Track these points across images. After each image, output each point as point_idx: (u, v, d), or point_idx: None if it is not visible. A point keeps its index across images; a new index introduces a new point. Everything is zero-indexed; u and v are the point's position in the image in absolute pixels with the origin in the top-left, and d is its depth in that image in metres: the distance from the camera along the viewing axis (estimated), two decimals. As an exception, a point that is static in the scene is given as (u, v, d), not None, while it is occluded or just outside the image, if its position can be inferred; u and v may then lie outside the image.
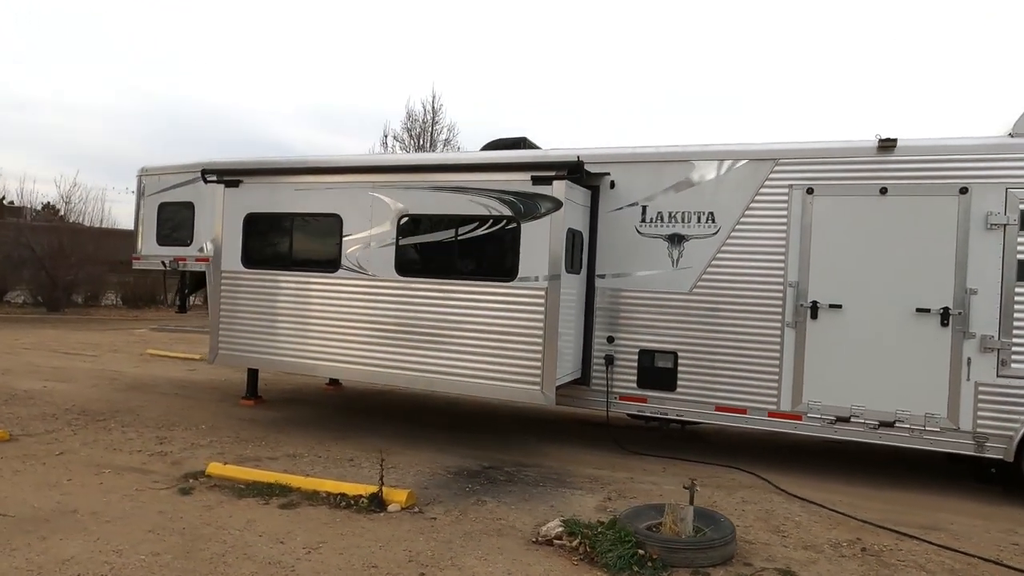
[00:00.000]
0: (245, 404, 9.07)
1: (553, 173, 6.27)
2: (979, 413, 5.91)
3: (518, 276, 6.41)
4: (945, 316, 6.00)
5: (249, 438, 7.15)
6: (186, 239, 9.40)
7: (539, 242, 6.31)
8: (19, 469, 5.83)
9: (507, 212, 6.47)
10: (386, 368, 6.93)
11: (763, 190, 6.59)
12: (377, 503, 5.08)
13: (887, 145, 6.21)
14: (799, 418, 6.44)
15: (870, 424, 6.20)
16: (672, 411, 6.87)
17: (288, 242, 7.47)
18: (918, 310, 6.07)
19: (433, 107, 23.92)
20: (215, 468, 5.79)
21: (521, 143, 8.20)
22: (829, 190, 6.39)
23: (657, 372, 6.89)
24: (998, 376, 5.88)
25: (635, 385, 6.97)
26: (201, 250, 9.21)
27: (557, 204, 6.28)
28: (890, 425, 6.15)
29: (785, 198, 6.52)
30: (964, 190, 5.96)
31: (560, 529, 4.53)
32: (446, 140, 23.52)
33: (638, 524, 4.48)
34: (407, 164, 7.16)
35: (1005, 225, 5.87)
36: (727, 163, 6.71)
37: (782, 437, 7.62)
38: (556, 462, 6.68)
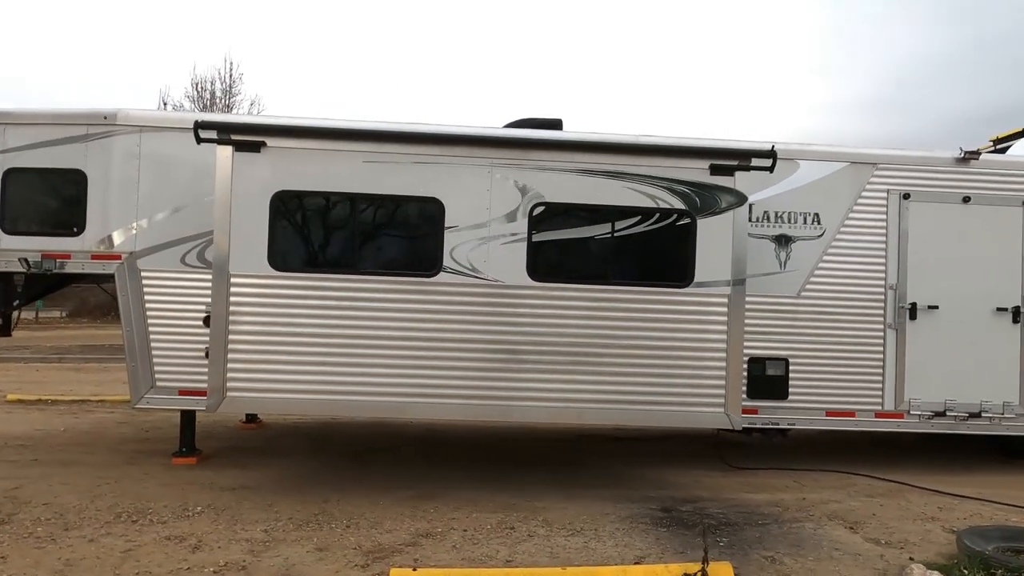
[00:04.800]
0: (184, 462, 6.36)
1: (736, 163, 5.45)
2: None
3: (694, 281, 5.45)
4: (1016, 314, 6.68)
5: (306, 519, 4.90)
6: (71, 225, 6.16)
7: (720, 241, 5.45)
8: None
9: (679, 205, 5.45)
10: (516, 400, 5.32)
11: (864, 193, 6.62)
12: (706, 588, 3.82)
13: (969, 157, 6.68)
14: (902, 416, 6.60)
15: (960, 416, 6.62)
16: (784, 420, 6.53)
17: (352, 235, 5.29)
18: (997, 309, 6.66)
19: (230, 76, 19.87)
20: (405, 577, 3.82)
21: (556, 124, 7.06)
22: (922, 196, 6.66)
23: (769, 380, 6.48)
24: None
25: (746, 396, 6.43)
26: (103, 243, 6.13)
27: (741, 199, 5.48)
28: (977, 415, 6.64)
29: (884, 202, 6.63)
30: None
31: (943, 577, 3.90)
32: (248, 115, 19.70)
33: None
34: (544, 139, 5.56)
35: None
36: (832, 164, 6.59)
37: (831, 435, 7.81)
38: (708, 491, 5.86)
